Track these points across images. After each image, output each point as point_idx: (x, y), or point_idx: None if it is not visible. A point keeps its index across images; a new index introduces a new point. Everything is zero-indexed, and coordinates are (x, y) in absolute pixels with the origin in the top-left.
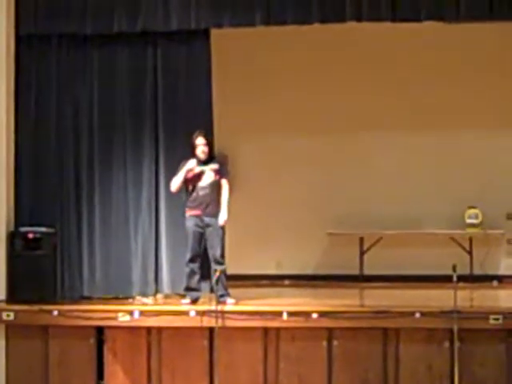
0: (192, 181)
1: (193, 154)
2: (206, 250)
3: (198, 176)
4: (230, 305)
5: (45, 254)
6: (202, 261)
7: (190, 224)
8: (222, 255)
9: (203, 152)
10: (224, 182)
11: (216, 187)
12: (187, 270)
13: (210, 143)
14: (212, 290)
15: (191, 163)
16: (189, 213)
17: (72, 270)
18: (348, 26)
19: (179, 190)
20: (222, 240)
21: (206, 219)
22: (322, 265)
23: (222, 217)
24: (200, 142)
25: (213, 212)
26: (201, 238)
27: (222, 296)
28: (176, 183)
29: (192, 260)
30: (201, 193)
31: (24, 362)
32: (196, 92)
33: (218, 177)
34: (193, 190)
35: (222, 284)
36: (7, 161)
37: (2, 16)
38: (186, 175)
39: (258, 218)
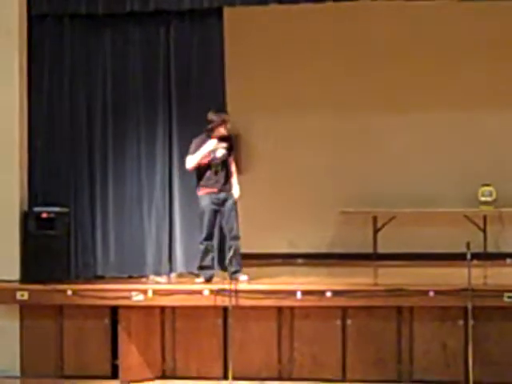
0: (207, 159)
1: (211, 130)
2: (219, 227)
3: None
4: (242, 281)
5: (58, 234)
6: (217, 239)
7: (206, 202)
8: (238, 230)
9: (229, 130)
10: (231, 159)
11: (226, 164)
12: (202, 248)
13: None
14: (226, 268)
15: (212, 144)
16: (204, 191)
17: (85, 250)
18: (361, 4)
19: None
20: (237, 215)
21: (222, 195)
22: (335, 243)
23: (236, 191)
24: (227, 119)
25: (228, 188)
26: (216, 215)
27: (235, 272)
28: (194, 162)
29: (207, 238)
30: (217, 171)
31: (38, 341)
32: (209, 70)
33: (227, 154)
34: (207, 169)
35: (237, 260)
36: (20, 140)
37: None
38: (205, 155)
39: (271, 197)
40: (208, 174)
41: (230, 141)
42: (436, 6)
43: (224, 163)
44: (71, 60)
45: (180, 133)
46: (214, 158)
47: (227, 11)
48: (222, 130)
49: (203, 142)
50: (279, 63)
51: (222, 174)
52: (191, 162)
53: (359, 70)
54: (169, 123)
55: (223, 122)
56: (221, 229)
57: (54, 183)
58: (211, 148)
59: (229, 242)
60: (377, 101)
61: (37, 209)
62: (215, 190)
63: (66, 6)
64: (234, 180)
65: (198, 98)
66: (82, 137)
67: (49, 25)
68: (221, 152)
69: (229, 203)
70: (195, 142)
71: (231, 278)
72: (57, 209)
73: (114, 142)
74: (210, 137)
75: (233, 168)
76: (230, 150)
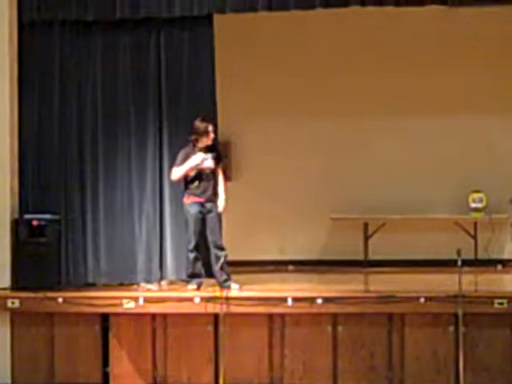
0: (195, 170)
1: (195, 140)
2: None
3: (203, 166)
4: (234, 289)
5: (49, 241)
6: (205, 246)
7: (194, 211)
8: (221, 240)
9: (213, 139)
10: (219, 170)
11: (213, 174)
12: (192, 256)
13: (215, 131)
14: (213, 276)
15: (199, 158)
16: (191, 199)
17: (76, 257)
18: (351, 10)
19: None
20: (221, 225)
21: (208, 205)
22: (326, 250)
23: (221, 202)
24: (211, 129)
25: (213, 198)
26: (202, 224)
27: (225, 281)
28: (179, 174)
29: (196, 247)
30: (205, 180)
31: (29, 349)
32: (199, 78)
33: (215, 164)
34: (196, 179)
35: (225, 269)
36: (11, 148)
37: (5, 3)
38: (191, 169)
39: (262, 204)
40: (196, 183)
41: (218, 151)
42: (428, 12)
43: (212, 174)
44: (61, 67)
45: (170, 140)
46: (202, 168)
47: (217, 18)
48: (205, 140)
49: (190, 154)
50: (270, 70)
51: (209, 184)
52: (176, 173)
53: (351, 76)
54: (159, 130)
55: (206, 133)
56: (204, 238)
57: (44, 191)
58: (198, 162)
59: (215, 252)
60: (367, 107)
61: (28, 216)
62: (202, 199)
63: (57, 12)
64: (221, 190)
65: (188, 105)
66: (73, 144)
67: (39, 32)
68: (208, 162)
69: (213, 213)
70: (182, 153)
71: (222, 287)
72: (48, 216)
73: (105, 149)
74: (195, 147)
75: (220, 178)
76: (217, 160)
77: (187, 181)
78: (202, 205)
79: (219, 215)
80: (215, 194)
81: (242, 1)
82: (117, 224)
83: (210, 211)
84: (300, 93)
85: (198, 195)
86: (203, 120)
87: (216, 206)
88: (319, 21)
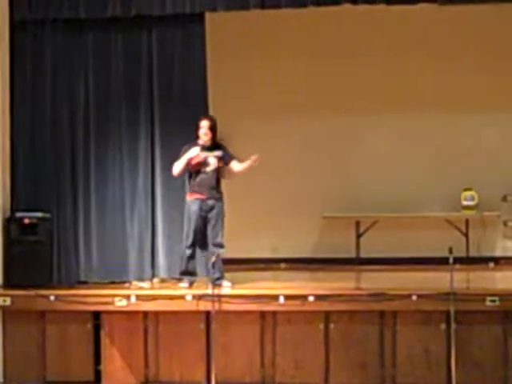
0: (196, 166)
1: (197, 137)
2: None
3: (203, 161)
4: (226, 288)
5: (41, 239)
6: (204, 244)
7: (195, 208)
8: (222, 238)
9: (205, 134)
10: (234, 162)
11: (217, 173)
12: (187, 253)
13: (214, 129)
14: (208, 274)
15: (194, 150)
16: (193, 196)
17: (68, 255)
18: (343, 8)
19: (181, 175)
20: (223, 223)
21: (210, 202)
22: (318, 248)
23: (237, 166)
24: (204, 125)
25: (216, 196)
26: (202, 221)
27: (218, 279)
28: (178, 168)
29: (193, 244)
30: (205, 178)
31: (21, 347)
32: (191, 76)
33: (220, 164)
34: (197, 175)
35: (219, 267)
36: (3, 146)
37: None
38: (188, 162)
39: (254, 202)
40: (198, 180)
41: (225, 150)
42: (419, 9)
43: (215, 172)
44: (53, 65)
45: (162, 138)
46: (204, 164)
47: (209, 16)
48: (200, 135)
49: (189, 149)
50: (262, 67)
51: (212, 182)
52: (175, 167)
53: (342, 74)
54: (151, 128)
55: (198, 127)
56: (205, 235)
57: (36, 189)
58: (193, 155)
59: (212, 249)
60: (359, 105)
61: (19, 214)
62: (203, 196)
63: (48, 11)
64: (240, 166)
65: (180, 103)
66: (65, 142)
67: (31, 30)
68: (211, 159)
69: (215, 210)
70: (183, 148)
71: (214, 285)
72: (39, 214)
73: (97, 147)
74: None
75: (237, 165)
76: (224, 159)
77: (190, 178)
78: (202, 201)
79: (221, 212)
80: (219, 192)
81: None
82: (108, 222)
83: (211, 208)
84: (291, 90)
85: (199, 192)
86: (203, 116)
87: (219, 203)
88: (310, 19)
